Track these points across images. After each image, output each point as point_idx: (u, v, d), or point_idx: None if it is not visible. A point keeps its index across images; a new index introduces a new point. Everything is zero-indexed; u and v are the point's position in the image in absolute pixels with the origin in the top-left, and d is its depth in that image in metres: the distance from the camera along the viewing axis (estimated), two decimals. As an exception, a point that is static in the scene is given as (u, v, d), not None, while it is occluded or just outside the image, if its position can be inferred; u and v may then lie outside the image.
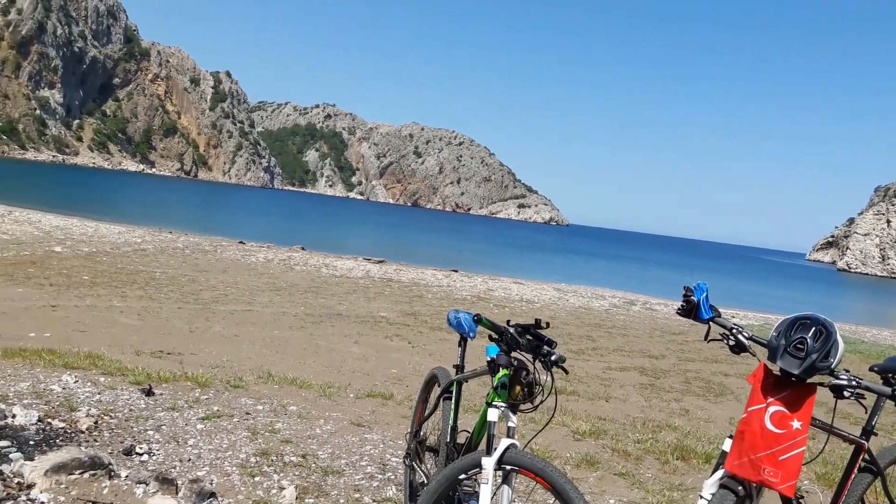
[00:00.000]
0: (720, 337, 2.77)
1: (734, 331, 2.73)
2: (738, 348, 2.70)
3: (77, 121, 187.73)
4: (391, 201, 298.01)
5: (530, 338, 2.66)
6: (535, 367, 2.64)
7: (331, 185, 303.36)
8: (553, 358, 2.58)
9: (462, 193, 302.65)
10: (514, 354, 2.68)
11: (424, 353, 11.78)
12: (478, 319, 2.87)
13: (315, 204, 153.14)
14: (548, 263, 57.65)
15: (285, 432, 5.06)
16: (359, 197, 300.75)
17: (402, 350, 11.83)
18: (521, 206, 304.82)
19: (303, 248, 32.25)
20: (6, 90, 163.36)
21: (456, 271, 31.11)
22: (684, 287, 2.83)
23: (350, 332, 12.91)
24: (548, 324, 2.73)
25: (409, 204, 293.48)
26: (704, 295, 2.79)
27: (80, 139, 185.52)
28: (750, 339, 2.70)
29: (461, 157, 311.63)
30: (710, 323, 2.79)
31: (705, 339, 2.84)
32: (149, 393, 5.58)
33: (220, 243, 29.33)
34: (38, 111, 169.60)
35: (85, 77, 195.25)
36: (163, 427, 4.80)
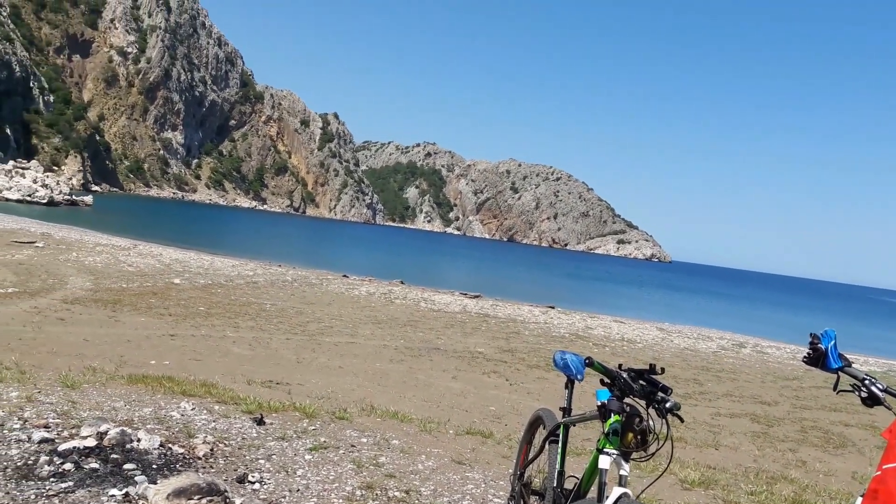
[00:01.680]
0: (850, 388, 2.60)
1: (867, 381, 2.56)
2: (871, 401, 2.53)
3: (196, 160, 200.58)
4: (487, 236, 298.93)
5: (644, 383, 2.60)
6: (648, 414, 2.57)
7: (429, 221, 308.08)
8: (668, 405, 2.50)
9: (559, 229, 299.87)
10: (626, 400, 2.62)
11: (522, 391, 11.66)
12: (589, 363, 2.82)
13: (414, 239, 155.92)
14: (649, 301, 56.01)
15: (389, 466, 5.11)
16: (456, 232, 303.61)
17: (500, 387, 11.76)
18: (620, 241, 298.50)
19: (402, 283, 32.84)
20: (135, 132, 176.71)
21: (553, 307, 30.74)
22: (811, 334, 2.69)
23: (448, 366, 12.97)
24: (663, 369, 2.66)
25: (504, 239, 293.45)
26: (833, 343, 2.64)
27: (198, 177, 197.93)
28: (885, 390, 2.52)
29: (558, 192, 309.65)
30: (840, 373, 2.63)
31: (834, 389, 2.68)
32: (260, 422, 5.78)
33: (326, 277, 30.33)
34: (161, 151, 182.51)
35: (204, 119, 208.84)
36: (273, 456, 4.96)
